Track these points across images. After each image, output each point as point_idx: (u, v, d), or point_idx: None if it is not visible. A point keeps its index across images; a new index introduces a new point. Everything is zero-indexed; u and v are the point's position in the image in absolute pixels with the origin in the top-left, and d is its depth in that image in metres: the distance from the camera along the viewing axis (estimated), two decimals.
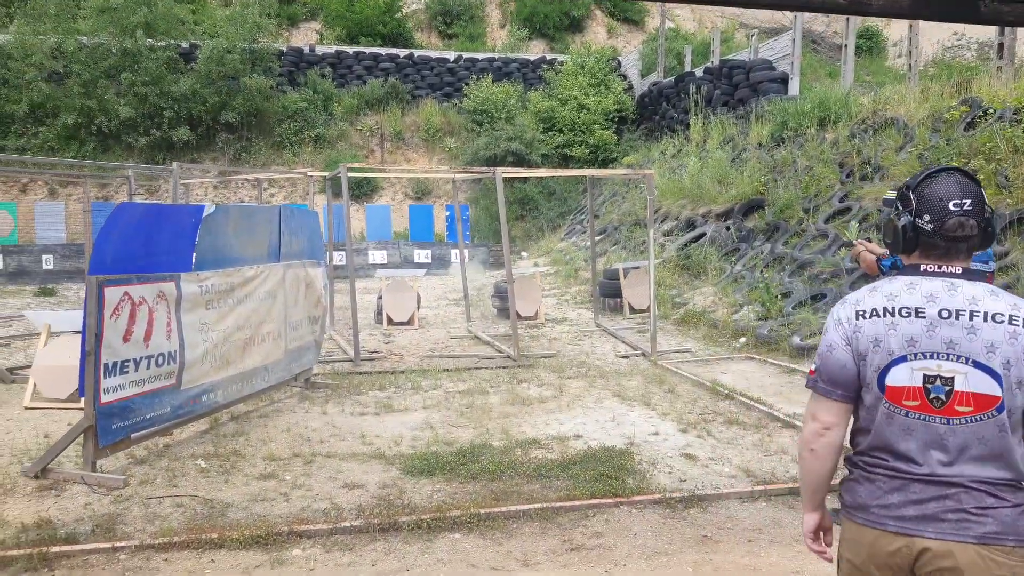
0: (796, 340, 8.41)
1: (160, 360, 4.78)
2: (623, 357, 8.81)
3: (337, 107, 25.71)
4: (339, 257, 19.06)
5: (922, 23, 15.18)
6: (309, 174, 11.14)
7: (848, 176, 11.79)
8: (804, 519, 2.10)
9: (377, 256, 19.32)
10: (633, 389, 7.15)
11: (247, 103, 23.56)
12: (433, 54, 28.91)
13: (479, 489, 4.51)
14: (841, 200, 11.37)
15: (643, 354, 8.84)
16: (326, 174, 10.82)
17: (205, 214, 5.28)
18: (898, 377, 1.83)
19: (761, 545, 4.00)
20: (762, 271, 10.88)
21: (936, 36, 29.04)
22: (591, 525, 4.11)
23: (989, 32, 29.38)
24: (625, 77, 26.03)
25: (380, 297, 11.25)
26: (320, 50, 27.77)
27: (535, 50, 30.90)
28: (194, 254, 5.20)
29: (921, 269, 1.89)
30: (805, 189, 12.28)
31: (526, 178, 23.67)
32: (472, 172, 11.24)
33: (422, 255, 19.78)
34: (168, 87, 22.09)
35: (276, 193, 23.38)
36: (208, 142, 24.04)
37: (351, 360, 8.48)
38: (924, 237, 1.88)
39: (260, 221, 6.21)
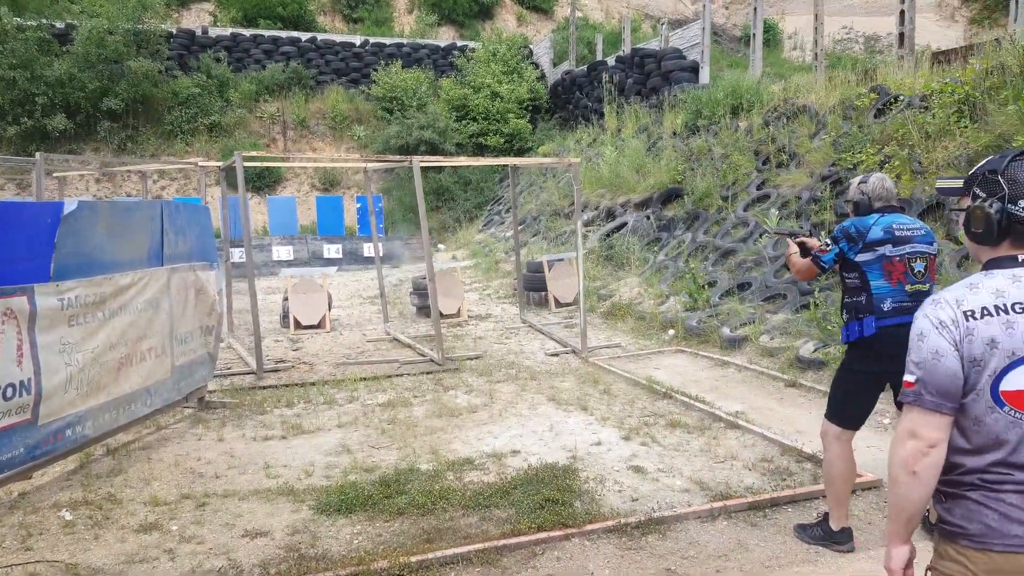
0: (726, 331, 8.15)
1: (9, 392, 3.90)
2: (553, 355, 8.34)
3: (234, 93, 24.17)
4: (239, 254, 17.84)
5: (816, 19, 15.38)
6: (200, 164, 10.08)
7: (764, 163, 11.74)
8: (891, 554, 1.81)
9: (282, 252, 18.17)
10: (568, 391, 6.66)
11: (132, 89, 21.75)
12: (338, 38, 27.67)
13: (408, 528, 3.89)
14: (759, 188, 11.28)
15: (573, 351, 8.39)
16: (220, 164, 9.81)
17: (65, 212, 4.39)
18: (1018, 380, 1.65)
19: (731, 575, 3.57)
20: (686, 260, 10.66)
21: (827, 29, 30.12)
22: (541, 566, 3.56)
23: (874, 26, 30.72)
24: (538, 66, 25.64)
25: (286, 298, 10.35)
26: (214, 32, 26.07)
27: (445, 36, 30.10)
28: (53, 260, 4.31)
29: (1021, 260, 1.72)
30: (723, 177, 12.16)
31: (441, 168, 22.96)
32: (387, 161, 10.40)
33: (332, 250, 18.75)
34: (41, 71, 20.06)
35: (168, 186, 21.74)
36: (88, 131, 22.07)
37: (253, 372, 7.62)
38: (1017, 225, 1.72)
39: (138, 219, 5.32)
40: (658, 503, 4.22)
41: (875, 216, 3.59)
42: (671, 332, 8.88)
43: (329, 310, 10.37)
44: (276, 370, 7.84)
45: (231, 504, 4.24)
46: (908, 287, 3.50)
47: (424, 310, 10.64)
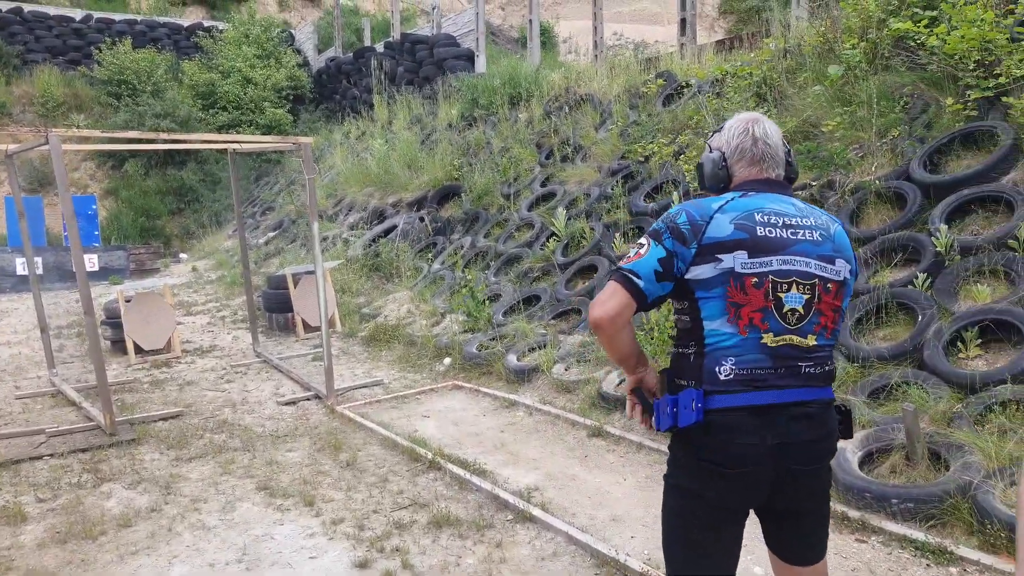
0: (512, 360, 6.50)
1: None
2: (288, 404, 6.19)
3: None
4: None
5: (596, 18, 14.64)
6: None
7: (548, 157, 10.47)
8: None
9: None
10: (293, 469, 4.59)
11: None
12: (52, 11, 23.06)
13: None
14: (543, 184, 9.96)
15: (317, 396, 6.32)
16: None
17: None
18: None
19: None
20: (464, 270, 8.98)
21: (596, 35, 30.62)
22: None
23: (642, 33, 31.79)
24: (300, 52, 22.98)
25: None
26: None
27: (191, 17, 26.30)
28: None
29: None
30: (503, 172, 10.73)
31: (183, 163, 19.61)
32: (20, 140, 7.41)
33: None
34: None
35: None
36: None
37: None
38: None
39: None
40: None
41: (727, 196, 1.91)
42: (447, 361, 7.10)
43: None
44: None
45: None
46: (768, 338, 1.81)
47: (120, 344, 7.94)
